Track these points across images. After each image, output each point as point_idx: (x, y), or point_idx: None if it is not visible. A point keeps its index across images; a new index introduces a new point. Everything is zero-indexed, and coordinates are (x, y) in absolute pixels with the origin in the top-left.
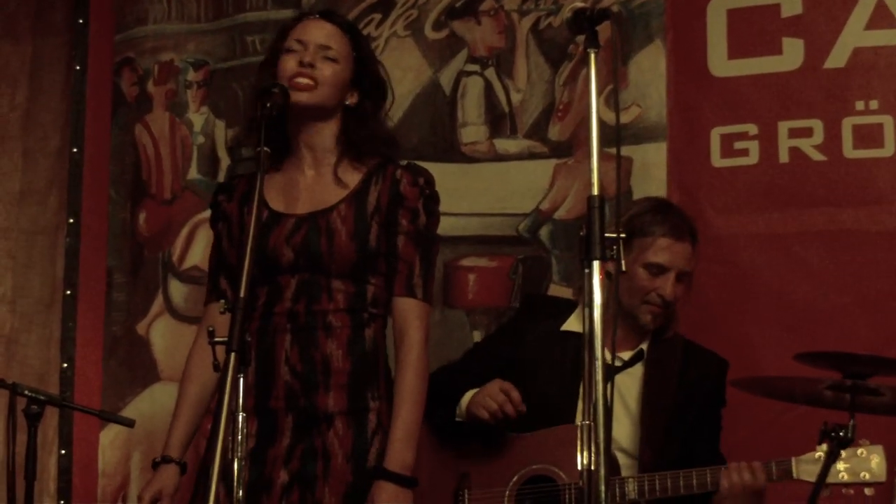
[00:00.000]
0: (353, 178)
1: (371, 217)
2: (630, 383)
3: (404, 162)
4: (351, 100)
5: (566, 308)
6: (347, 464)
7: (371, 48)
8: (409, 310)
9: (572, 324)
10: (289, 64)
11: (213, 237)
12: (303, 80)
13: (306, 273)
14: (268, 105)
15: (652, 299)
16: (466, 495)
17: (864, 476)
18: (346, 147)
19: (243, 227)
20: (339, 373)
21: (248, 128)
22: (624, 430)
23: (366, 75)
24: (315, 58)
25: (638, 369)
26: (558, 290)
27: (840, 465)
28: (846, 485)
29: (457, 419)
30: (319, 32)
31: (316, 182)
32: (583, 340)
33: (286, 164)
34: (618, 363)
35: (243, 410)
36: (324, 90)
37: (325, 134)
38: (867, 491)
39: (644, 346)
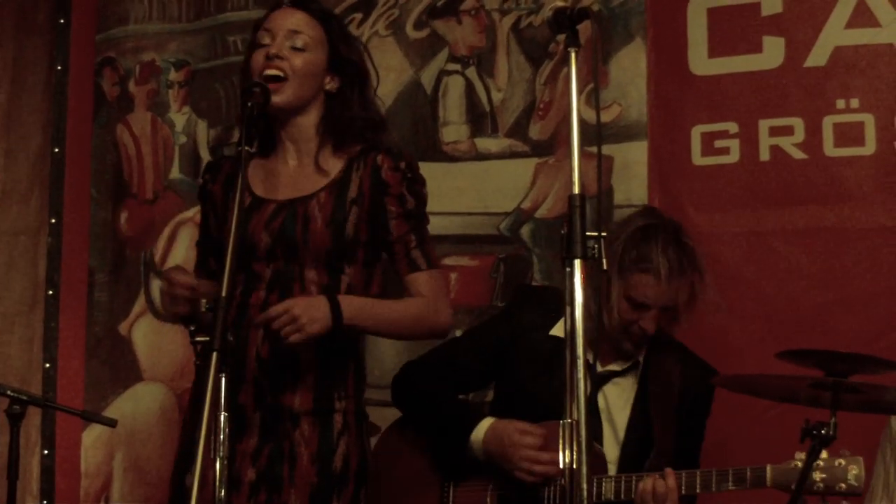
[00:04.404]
0: (334, 165)
1: (351, 204)
2: (618, 394)
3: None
4: (331, 85)
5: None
6: (312, 466)
7: (347, 31)
8: (417, 284)
9: (560, 329)
10: (258, 58)
11: (201, 214)
12: (272, 72)
13: (281, 261)
14: (249, 105)
15: (633, 331)
16: (452, 488)
17: (841, 487)
18: (327, 134)
19: (227, 209)
20: (305, 372)
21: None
22: (609, 444)
23: (346, 60)
24: (282, 48)
25: (629, 381)
26: None
27: (817, 475)
28: (822, 494)
29: (467, 453)
30: (287, 21)
31: (298, 170)
32: (565, 340)
33: (270, 153)
34: (604, 373)
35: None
36: (294, 83)
37: (305, 125)
38: (844, 502)
39: (640, 358)
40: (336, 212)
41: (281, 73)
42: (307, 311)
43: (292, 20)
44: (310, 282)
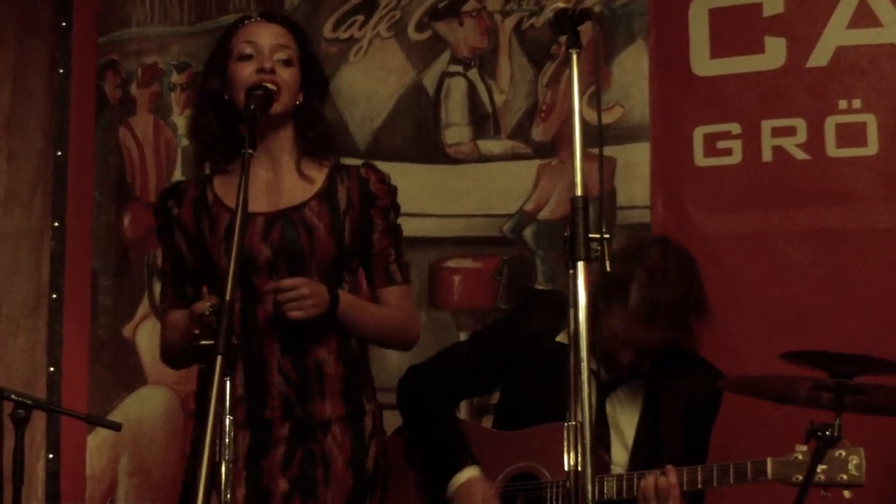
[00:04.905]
0: (317, 174)
1: (344, 215)
2: (625, 400)
3: (358, 161)
4: (299, 100)
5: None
6: (348, 469)
7: (312, 44)
8: (391, 297)
9: (565, 336)
10: (246, 71)
11: (163, 243)
12: (267, 86)
13: (285, 273)
14: (252, 108)
15: (612, 360)
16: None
17: (842, 478)
18: (306, 146)
19: (203, 232)
20: (332, 379)
21: (195, 133)
22: (617, 450)
23: (312, 74)
24: (273, 63)
25: (637, 385)
26: None
27: (818, 467)
28: (824, 486)
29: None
30: (270, 35)
31: (275, 181)
32: (569, 343)
33: (235, 165)
34: (612, 379)
35: (234, 419)
36: (285, 96)
37: (282, 138)
38: (845, 493)
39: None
40: (333, 221)
41: (275, 88)
42: (314, 294)
43: (275, 34)
44: None
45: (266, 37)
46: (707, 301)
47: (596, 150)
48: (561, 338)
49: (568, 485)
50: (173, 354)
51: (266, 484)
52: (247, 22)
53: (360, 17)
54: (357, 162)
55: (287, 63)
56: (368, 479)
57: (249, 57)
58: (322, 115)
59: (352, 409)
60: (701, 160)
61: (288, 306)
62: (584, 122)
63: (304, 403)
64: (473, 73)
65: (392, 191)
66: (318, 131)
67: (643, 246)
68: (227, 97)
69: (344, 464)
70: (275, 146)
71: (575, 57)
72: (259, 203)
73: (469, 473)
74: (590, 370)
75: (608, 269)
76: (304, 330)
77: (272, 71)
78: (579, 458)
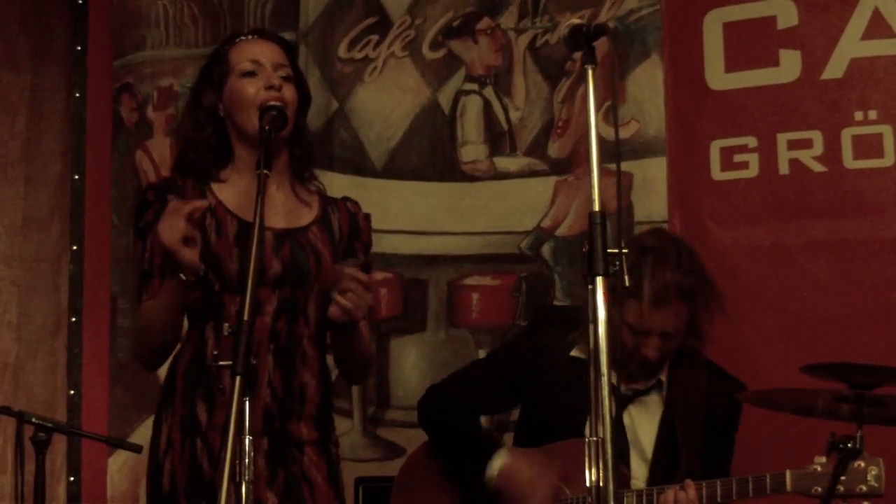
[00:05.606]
0: (312, 200)
1: (338, 244)
2: (643, 413)
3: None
4: None
5: (580, 321)
6: (329, 487)
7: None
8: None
9: (579, 351)
10: (252, 88)
11: (154, 234)
12: (277, 103)
13: (287, 289)
14: (266, 128)
15: (636, 358)
16: None
17: (861, 489)
18: (294, 166)
19: (207, 232)
20: (311, 403)
21: (191, 146)
22: (636, 464)
23: (301, 92)
24: (279, 80)
25: (654, 399)
26: None
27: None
28: (843, 497)
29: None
30: (271, 52)
31: (280, 199)
32: (585, 360)
33: (231, 174)
34: (628, 393)
35: (218, 425)
36: (290, 114)
37: (280, 156)
38: (864, 503)
39: (663, 377)
40: (333, 249)
41: (283, 105)
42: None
43: (275, 51)
44: (310, 314)
45: (268, 54)
46: (720, 293)
47: (612, 166)
48: (576, 353)
49: (590, 501)
50: (155, 343)
51: (256, 494)
52: (242, 38)
53: (375, 37)
54: (371, 179)
55: (288, 80)
56: (343, 500)
57: (253, 74)
58: (307, 133)
59: (322, 435)
60: (718, 174)
61: (354, 301)
62: (600, 137)
63: (284, 420)
64: (489, 91)
65: (371, 228)
66: (304, 148)
67: (640, 239)
68: (222, 113)
69: (324, 482)
70: (274, 164)
71: (590, 72)
72: (268, 218)
73: (500, 461)
74: (609, 384)
75: (626, 284)
76: (296, 348)
77: (280, 88)
78: (601, 474)
